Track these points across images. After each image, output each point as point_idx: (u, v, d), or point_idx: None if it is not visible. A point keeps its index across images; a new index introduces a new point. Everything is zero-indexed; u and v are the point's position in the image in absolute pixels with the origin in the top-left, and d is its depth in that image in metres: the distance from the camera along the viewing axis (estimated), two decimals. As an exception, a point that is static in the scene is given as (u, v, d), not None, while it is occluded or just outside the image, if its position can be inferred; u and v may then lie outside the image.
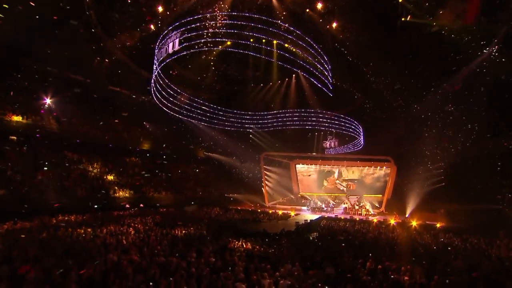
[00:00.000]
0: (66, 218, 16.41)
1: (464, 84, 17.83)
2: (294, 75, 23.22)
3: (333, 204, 24.78)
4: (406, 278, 7.63)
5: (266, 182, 28.27)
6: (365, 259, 9.34)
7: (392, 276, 7.61)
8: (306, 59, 15.77)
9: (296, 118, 25.81)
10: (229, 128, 27.18)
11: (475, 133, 19.22)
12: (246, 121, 26.96)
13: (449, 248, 10.80)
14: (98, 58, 21.44)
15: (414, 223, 17.13)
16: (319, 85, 17.40)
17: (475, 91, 17.36)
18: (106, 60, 21.34)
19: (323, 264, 8.85)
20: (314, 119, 25.44)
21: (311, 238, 14.27)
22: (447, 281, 7.32)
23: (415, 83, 19.03)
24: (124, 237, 11.92)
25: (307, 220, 19.03)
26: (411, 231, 15.49)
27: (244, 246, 11.09)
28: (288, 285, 7.05)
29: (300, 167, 28.64)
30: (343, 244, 11.62)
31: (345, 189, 26.87)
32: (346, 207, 23.73)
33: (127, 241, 11.28)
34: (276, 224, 18.32)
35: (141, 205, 23.45)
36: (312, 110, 25.39)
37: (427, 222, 17.66)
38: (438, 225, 16.61)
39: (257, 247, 10.82)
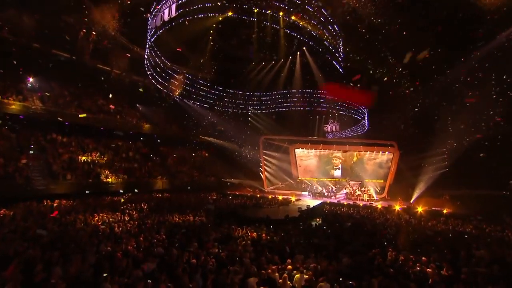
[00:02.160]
0: (55, 205, 15.44)
1: (480, 65, 16.81)
2: (298, 53, 21.72)
3: (334, 189, 24.24)
4: (429, 270, 6.94)
5: (265, 166, 27.50)
6: (382, 248, 8.71)
7: (417, 268, 6.91)
8: (316, 30, 14.36)
9: (297, 99, 24.50)
10: (225, 109, 25.80)
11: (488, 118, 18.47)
12: (246, 102, 25.63)
13: (465, 236, 10.25)
14: (84, 31, 19.33)
15: (419, 209, 16.68)
16: (329, 57, 16.05)
17: (491, 73, 16.42)
18: (94, 33, 19.29)
19: (338, 254, 8.16)
20: (318, 100, 24.13)
21: (314, 224, 13.67)
22: (475, 273, 6.66)
23: (429, 62, 17.96)
24: (118, 225, 11.02)
25: (309, 205, 18.40)
26: (420, 218, 15.02)
27: (249, 234, 10.31)
28: (305, 280, 6.30)
29: (299, 152, 27.86)
30: (354, 232, 10.96)
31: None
32: (347, 192, 23.24)
33: (121, 229, 10.38)
34: (277, 210, 17.63)
35: (136, 190, 22.53)
36: (316, 91, 24.08)
37: (433, 208, 17.23)
38: (444, 211, 16.18)
39: (263, 235, 10.04)
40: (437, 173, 20.71)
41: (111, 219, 12.17)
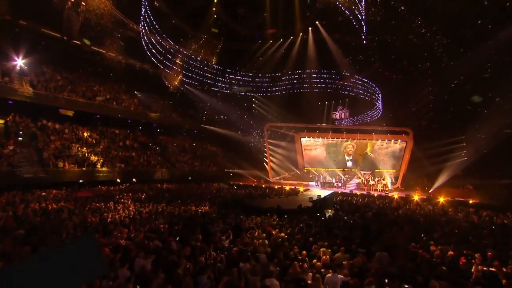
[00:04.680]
0: (43, 194, 14.08)
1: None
2: (310, 28, 19.71)
3: (344, 179, 22.85)
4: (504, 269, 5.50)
5: (270, 156, 26.08)
6: (420, 241, 7.33)
7: (482, 268, 5.50)
8: None
9: (309, 80, 22.65)
10: (227, 91, 23.87)
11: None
12: (250, 85, 23.81)
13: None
14: (72, 0, 17.16)
15: (441, 199, 15.30)
16: (354, 22, 14.27)
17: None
18: (83, 4, 17.23)
19: (371, 248, 6.79)
20: (333, 80, 22.11)
21: (329, 215, 12.34)
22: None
23: (454, 40, 16.07)
24: (110, 215, 9.65)
25: (320, 195, 17.07)
26: (442, 208, 13.66)
27: (259, 224, 8.90)
28: (343, 281, 4.91)
29: (305, 141, 26.42)
30: (378, 222, 9.58)
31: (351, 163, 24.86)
32: (359, 182, 21.83)
33: (113, 219, 8.99)
34: (286, 200, 16.32)
35: (134, 179, 21.21)
36: (327, 71, 22.24)
37: (456, 198, 15.83)
38: (470, 201, 14.79)
39: (278, 227, 8.65)
40: (458, 162, 19.17)
41: (103, 208, 10.84)
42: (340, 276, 5.02)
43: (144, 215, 9.69)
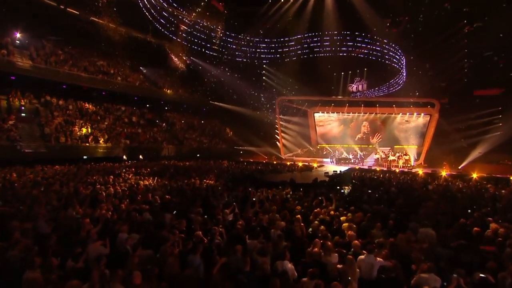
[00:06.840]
0: (45, 169, 13.45)
1: None
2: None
3: (361, 155, 21.25)
4: None
5: (282, 133, 24.67)
6: (467, 216, 5.98)
7: None
8: None
9: (326, 44, 20.40)
10: (240, 59, 22.13)
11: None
12: (261, 51, 21.84)
13: None
14: None
15: (474, 175, 13.63)
16: None
17: None
18: None
19: (410, 225, 5.52)
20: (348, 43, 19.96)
21: (345, 191, 11.07)
22: None
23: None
24: (104, 187, 8.71)
25: (336, 171, 15.72)
26: (477, 185, 12.07)
27: (270, 197, 7.71)
28: (380, 264, 3.69)
29: (318, 116, 24.71)
30: (407, 196, 8.25)
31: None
32: (378, 158, 20.19)
33: (107, 192, 8.04)
34: (300, 175, 15.11)
35: (140, 156, 20.50)
36: (345, 33, 19.93)
37: (493, 174, 14.10)
38: (511, 177, 13.05)
39: (291, 200, 7.46)
40: (493, 136, 17.02)
41: (100, 181, 9.99)
42: (379, 259, 3.78)
43: (142, 187, 8.71)
